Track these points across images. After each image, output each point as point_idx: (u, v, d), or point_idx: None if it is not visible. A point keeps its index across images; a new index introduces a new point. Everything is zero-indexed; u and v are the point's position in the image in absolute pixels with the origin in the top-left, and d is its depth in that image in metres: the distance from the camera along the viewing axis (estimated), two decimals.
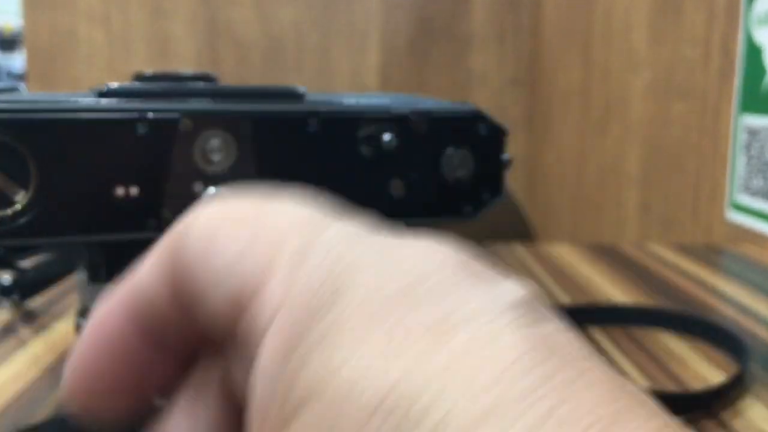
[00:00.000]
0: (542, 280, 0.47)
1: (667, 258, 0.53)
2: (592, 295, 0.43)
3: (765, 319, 0.39)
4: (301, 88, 0.25)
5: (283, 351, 0.09)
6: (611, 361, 0.33)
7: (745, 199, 0.60)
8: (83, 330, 0.11)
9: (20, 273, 0.38)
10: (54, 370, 0.31)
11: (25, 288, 0.39)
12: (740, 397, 0.30)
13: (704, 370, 0.32)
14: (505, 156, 0.26)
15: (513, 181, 1.16)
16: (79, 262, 0.27)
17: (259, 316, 0.09)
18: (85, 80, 1.23)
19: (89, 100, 0.22)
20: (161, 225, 0.22)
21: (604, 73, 0.96)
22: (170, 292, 0.10)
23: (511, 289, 0.09)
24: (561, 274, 0.48)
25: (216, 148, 0.23)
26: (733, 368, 0.32)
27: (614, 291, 0.44)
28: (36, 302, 0.40)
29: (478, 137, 0.25)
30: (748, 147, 0.60)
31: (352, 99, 0.25)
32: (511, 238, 0.77)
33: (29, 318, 0.38)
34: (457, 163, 0.25)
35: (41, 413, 0.27)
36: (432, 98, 0.29)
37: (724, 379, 0.31)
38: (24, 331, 0.36)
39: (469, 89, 1.27)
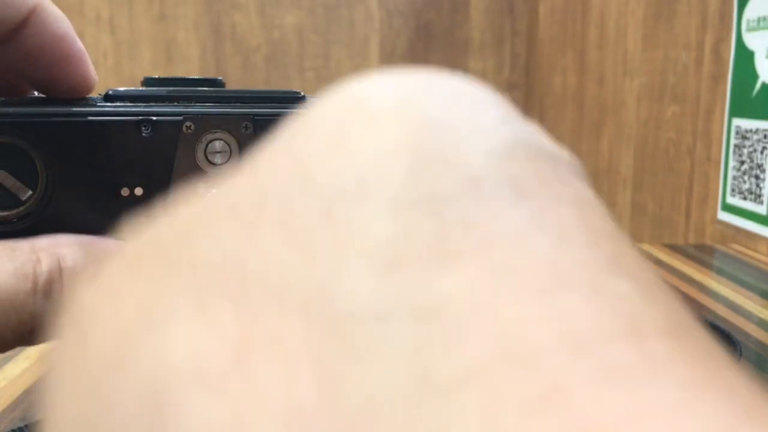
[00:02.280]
0: None
1: (660, 258, 0.54)
2: None
3: (756, 317, 0.40)
4: (302, 93, 0.25)
5: None
6: None
7: (736, 201, 0.61)
8: None
9: None
10: None
11: None
12: None
13: None
14: None
15: None
16: None
17: None
18: None
19: (96, 103, 0.22)
20: None
21: (598, 77, 0.97)
22: None
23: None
24: None
25: (218, 149, 0.24)
26: None
27: None
28: None
29: None
30: (738, 150, 0.61)
31: None
32: None
33: None
34: None
35: None
36: None
37: None
38: None
39: None
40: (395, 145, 0.07)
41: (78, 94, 0.20)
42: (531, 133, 0.08)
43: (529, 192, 0.07)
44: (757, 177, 0.59)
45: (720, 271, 0.51)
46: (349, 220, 0.06)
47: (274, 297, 0.06)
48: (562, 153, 0.09)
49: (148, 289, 0.07)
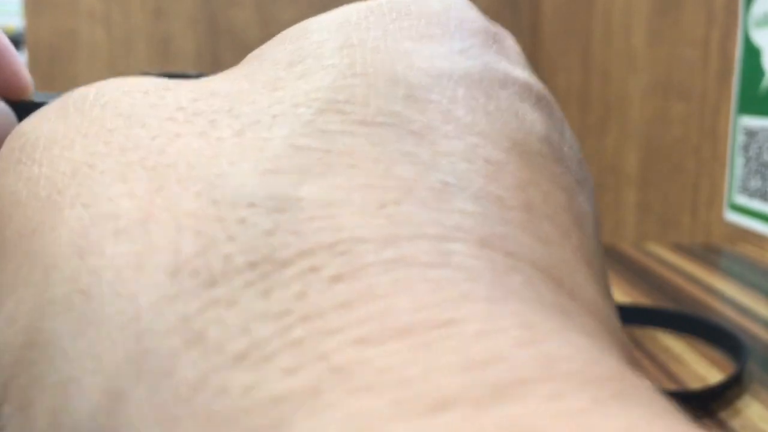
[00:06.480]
0: None
1: (666, 258, 0.53)
2: None
3: (763, 319, 0.39)
4: None
5: None
6: None
7: (744, 200, 0.60)
8: None
9: None
10: None
11: None
12: (738, 396, 0.30)
13: (703, 369, 0.32)
14: None
15: None
16: None
17: None
18: (86, 80, 1.23)
19: None
20: None
21: (603, 74, 0.96)
22: None
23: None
24: None
25: None
26: (731, 368, 0.32)
27: (613, 291, 0.44)
28: None
29: None
30: (746, 148, 0.61)
31: None
32: None
33: None
34: None
35: None
36: None
37: (722, 378, 0.31)
38: None
39: None
40: (314, 96, 0.09)
41: None
42: (483, 62, 0.10)
43: (418, 131, 0.09)
44: (764, 176, 0.58)
45: (727, 272, 0.51)
46: (252, 138, 0.08)
47: (180, 180, 0.08)
48: (523, 79, 0.10)
49: (86, 149, 0.09)
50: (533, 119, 0.10)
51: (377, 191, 0.08)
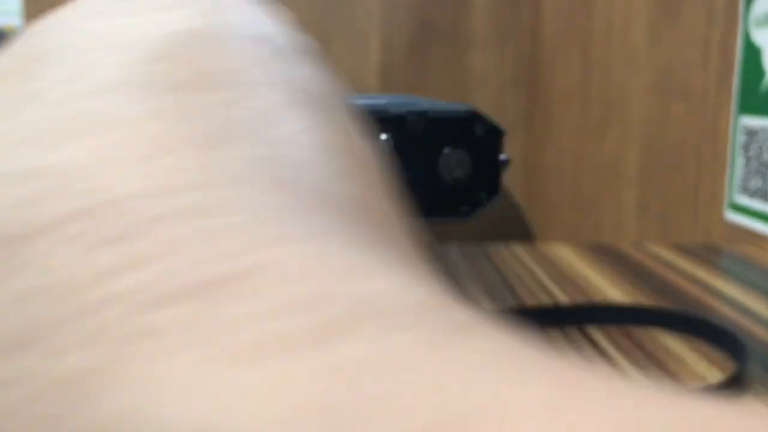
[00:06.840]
0: (541, 280, 0.47)
1: (666, 258, 0.53)
2: (590, 295, 0.43)
3: (763, 319, 0.40)
4: None
5: None
6: (610, 361, 0.33)
7: (744, 200, 0.60)
8: None
9: None
10: None
11: None
12: (738, 396, 0.30)
13: (702, 369, 0.32)
14: (503, 156, 0.27)
15: (512, 181, 1.17)
16: None
17: None
18: None
19: None
20: None
21: (603, 73, 0.96)
22: None
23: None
24: (560, 274, 0.48)
25: None
26: (731, 368, 0.32)
27: (613, 291, 0.44)
28: None
29: (475, 137, 0.26)
30: (746, 148, 0.61)
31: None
32: (510, 238, 0.77)
33: None
34: (454, 163, 0.25)
35: None
36: (431, 99, 0.29)
37: (722, 378, 0.31)
38: None
39: (469, 90, 1.27)
40: (53, 78, 0.09)
41: None
42: (225, 20, 0.10)
43: (181, 86, 0.08)
44: (764, 176, 0.58)
45: (727, 272, 0.51)
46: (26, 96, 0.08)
47: None
48: (278, 32, 0.10)
49: None
50: (302, 70, 0.10)
51: (141, 145, 0.07)
